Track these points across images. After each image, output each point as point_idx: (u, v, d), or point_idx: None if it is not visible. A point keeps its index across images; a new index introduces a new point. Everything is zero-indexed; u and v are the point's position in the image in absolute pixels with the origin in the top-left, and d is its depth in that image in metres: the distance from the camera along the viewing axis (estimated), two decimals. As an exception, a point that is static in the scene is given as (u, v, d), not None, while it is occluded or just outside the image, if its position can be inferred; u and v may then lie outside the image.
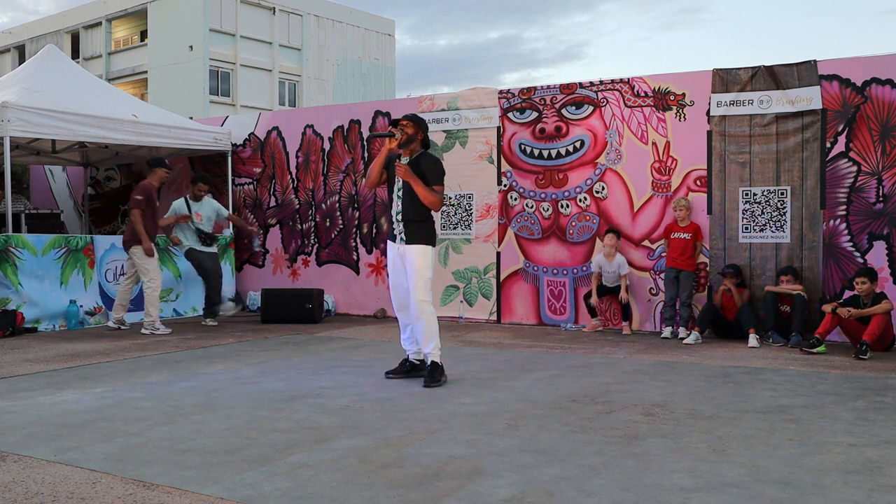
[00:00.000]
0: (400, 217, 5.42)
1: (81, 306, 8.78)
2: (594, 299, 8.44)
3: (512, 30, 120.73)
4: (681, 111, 8.30)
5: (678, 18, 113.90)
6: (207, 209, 9.25)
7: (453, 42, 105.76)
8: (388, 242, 5.60)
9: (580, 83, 8.84)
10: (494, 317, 9.26)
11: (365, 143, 10.14)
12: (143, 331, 8.25)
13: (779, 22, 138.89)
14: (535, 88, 9.09)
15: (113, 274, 9.24)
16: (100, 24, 37.30)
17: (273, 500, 3.01)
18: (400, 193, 5.42)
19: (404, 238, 5.42)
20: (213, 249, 9.32)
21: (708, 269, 8.15)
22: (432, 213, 5.55)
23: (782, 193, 7.86)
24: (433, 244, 5.49)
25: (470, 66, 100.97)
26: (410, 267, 5.38)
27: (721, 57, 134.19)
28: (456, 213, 9.47)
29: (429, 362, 5.41)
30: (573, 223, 8.84)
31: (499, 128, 9.23)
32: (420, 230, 5.42)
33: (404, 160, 5.45)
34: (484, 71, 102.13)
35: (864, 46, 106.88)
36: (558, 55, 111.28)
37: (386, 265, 9.95)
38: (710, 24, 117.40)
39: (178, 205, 9.18)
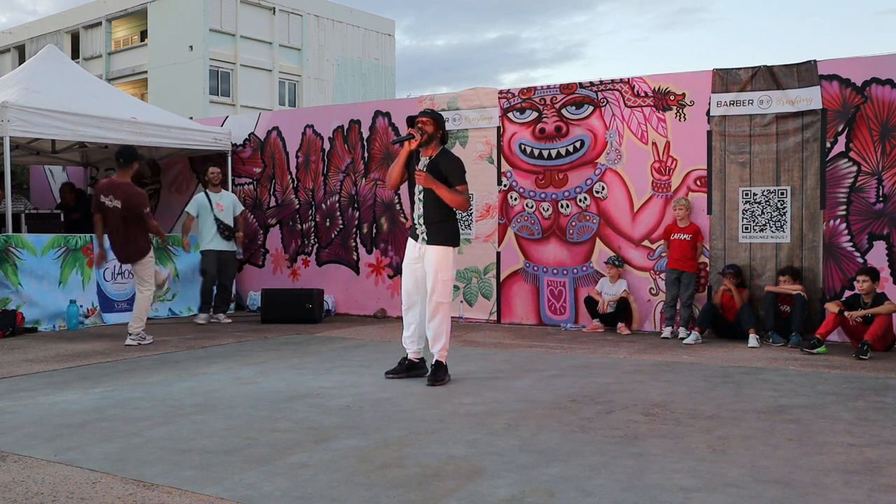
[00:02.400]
0: (422, 220, 5.38)
1: (81, 306, 8.78)
2: (601, 306, 8.47)
3: (510, 30, 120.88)
4: (681, 111, 8.30)
5: (676, 19, 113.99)
6: (227, 199, 9.39)
7: (452, 42, 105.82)
8: (409, 241, 5.55)
9: (580, 83, 8.84)
10: (494, 317, 9.26)
11: (365, 143, 10.13)
12: (130, 342, 7.38)
13: (777, 22, 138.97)
14: (535, 88, 9.09)
15: (111, 273, 9.22)
16: (100, 24, 37.31)
17: (273, 500, 3.01)
18: (421, 196, 5.37)
19: (426, 238, 5.39)
20: (232, 247, 9.39)
21: (708, 269, 8.15)
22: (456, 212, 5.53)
23: (782, 193, 7.86)
24: (456, 244, 5.48)
25: (468, 67, 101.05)
26: (430, 267, 5.35)
27: (719, 57, 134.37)
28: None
29: (433, 361, 5.43)
30: (573, 223, 8.84)
31: (499, 128, 9.23)
32: (443, 230, 5.39)
33: (424, 160, 5.38)
34: (483, 71, 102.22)
35: (862, 47, 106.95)
36: (557, 55, 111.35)
37: (386, 265, 9.99)
38: (709, 24, 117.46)
39: (201, 198, 9.29)
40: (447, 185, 5.29)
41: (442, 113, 9.58)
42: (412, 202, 5.47)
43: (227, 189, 10.74)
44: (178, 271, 9.93)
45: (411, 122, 5.40)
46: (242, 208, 9.74)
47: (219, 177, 9.50)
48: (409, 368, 5.62)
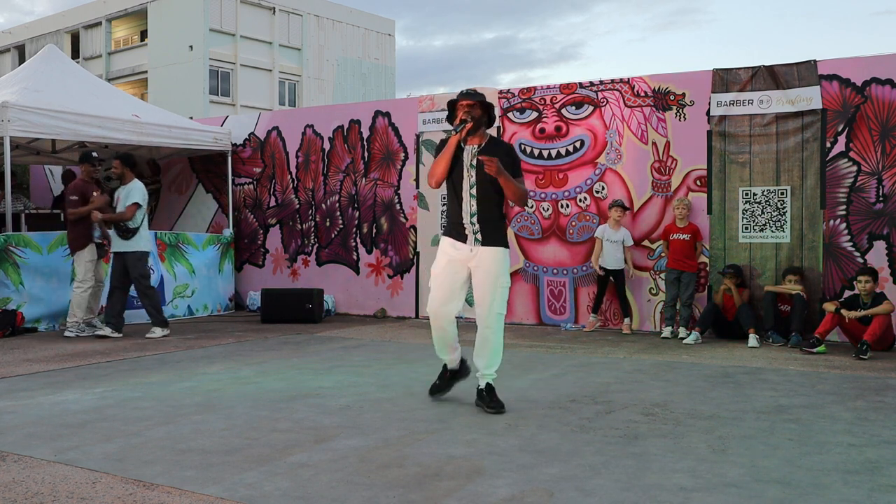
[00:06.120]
0: (475, 218, 4.61)
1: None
2: (596, 267, 8.36)
3: (507, 31, 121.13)
4: (681, 111, 8.30)
5: (673, 19, 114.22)
6: (122, 193, 8.06)
7: (449, 43, 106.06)
8: (450, 240, 4.73)
9: (580, 83, 8.84)
10: (494, 317, 9.24)
11: (365, 142, 10.13)
12: (67, 333, 7.91)
13: (772, 23, 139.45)
14: (534, 88, 9.08)
15: None
16: (100, 24, 37.31)
17: (273, 500, 3.01)
18: (474, 192, 4.60)
19: (480, 239, 4.62)
20: (134, 247, 7.91)
21: (708, 269, 8.15)
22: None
23: (782, 193, 7.86)
24: (508, 246, 4.81)
25: (466, 67, 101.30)
26: (488, 272, 4.64)
27: (715, 57, 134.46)
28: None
29: (485, 384, 4.70)
30: (573, 223, 8.83)
31: (499, 128, 9.23)
32: (500, 230, 4.70)
33: (470, 149, 4.63)
34: (480, 72, 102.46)
35: (857, 47, 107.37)
36: (554, 56, 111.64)
37: (386, 265, 9.98)
38: (705, 25, 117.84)
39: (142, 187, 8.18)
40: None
41: (442, 113, 9.62)
42: (458, 198, 4.66)
43: (226, 189, 10.74)
44: (193, 268, 9.93)
45: (452, 107, 4.69)
46: (129, 203, 7.96)
47: (116, 168, 8.17)
48: (452, 378, 5.01)
